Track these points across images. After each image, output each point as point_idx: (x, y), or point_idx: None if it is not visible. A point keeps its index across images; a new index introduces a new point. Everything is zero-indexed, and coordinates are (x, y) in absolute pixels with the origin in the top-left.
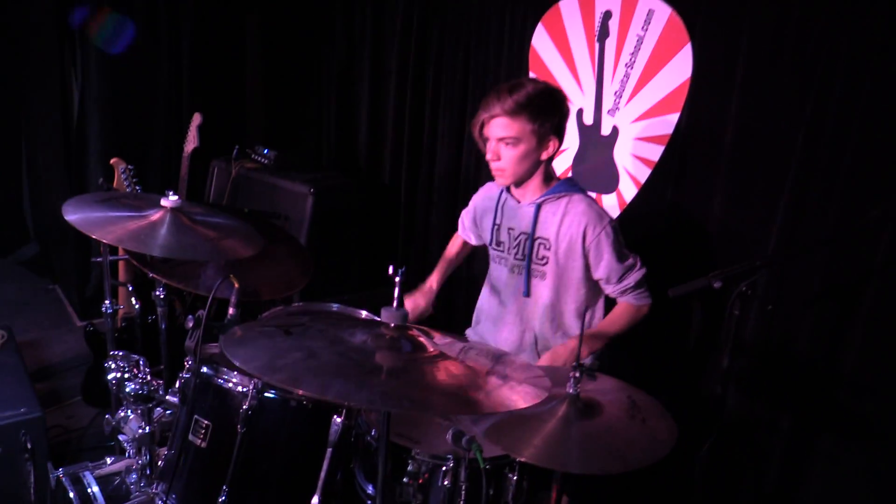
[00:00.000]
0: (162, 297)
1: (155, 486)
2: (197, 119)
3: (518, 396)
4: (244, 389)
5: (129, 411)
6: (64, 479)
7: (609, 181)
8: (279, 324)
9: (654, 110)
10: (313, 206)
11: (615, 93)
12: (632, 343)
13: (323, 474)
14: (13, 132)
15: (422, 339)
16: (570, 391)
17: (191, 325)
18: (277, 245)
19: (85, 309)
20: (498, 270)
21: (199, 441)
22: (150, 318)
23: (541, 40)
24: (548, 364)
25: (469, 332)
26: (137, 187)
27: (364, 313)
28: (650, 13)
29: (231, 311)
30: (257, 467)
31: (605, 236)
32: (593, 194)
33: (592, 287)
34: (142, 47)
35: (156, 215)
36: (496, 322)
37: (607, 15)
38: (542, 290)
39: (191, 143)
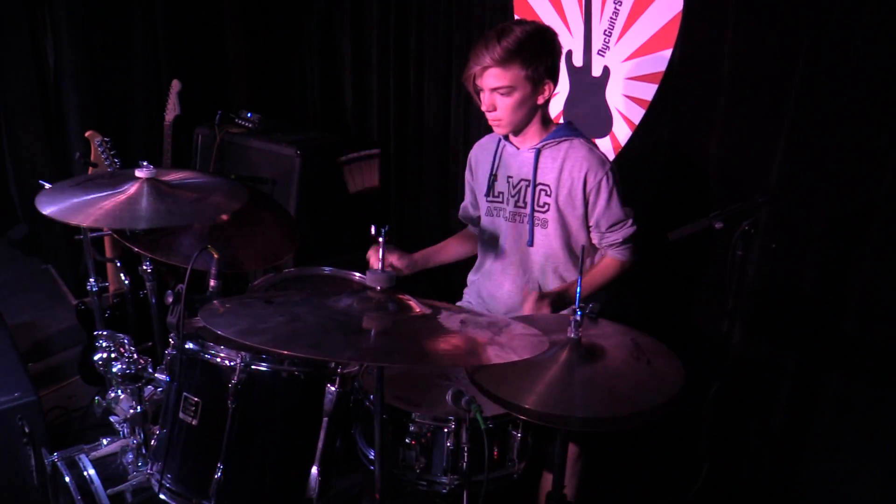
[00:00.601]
0: (149, 271)
1: (150, 466)
2: (176, 86)
3: (515, 349)
4: (232, 363)
5: (120, 391)
6: (59, 463)
7: (602, 124)
8: (259, 296)
9: (646, 47)
10: (301, 169)
11: (604, 31)
12: (631, 287)
13: (321, 444)
14: None
15: (411, 302)
16: (572, 335)
17: (171, 300)
18: (263, 212)
19: (79, 287)
20: (495, 223)
21: (190, 419)
22: (141, 293)
23: None
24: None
25: (466, 291)
26: (116, 160)
27: (357, 275)
28: None
29: (212, 283)
30: (252, 442)
31: (605, 182)
32: None
33: (590, 235)
34: (114, 15)
35: (133, 188)
36: (496, 275)
37: None
38: (545, 238)
39: (171, 111)
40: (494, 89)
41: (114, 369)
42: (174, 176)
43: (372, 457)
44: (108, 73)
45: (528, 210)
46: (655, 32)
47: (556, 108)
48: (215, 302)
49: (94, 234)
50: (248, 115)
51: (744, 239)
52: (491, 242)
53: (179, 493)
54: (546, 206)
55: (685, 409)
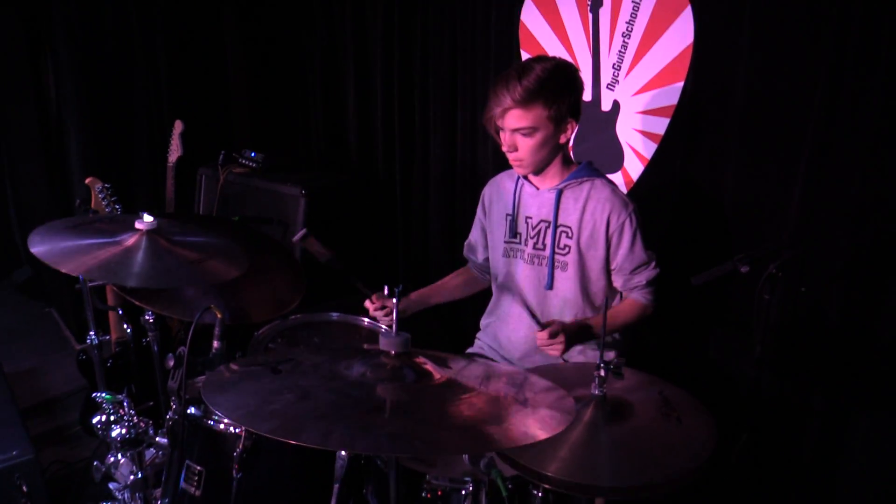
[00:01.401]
0: (151, 321)
1: None
2: (178, 127)
3: (540, 423)
4: (237, 430)
5: (119, 455)
6: None
7: (613, 159)
8: (265, 362)
9: (657, 81)
10: (306, 208)
11: (613, 65)
12: (648, 327)
13: None
14: None
15: (428, 365)
16: (596, 392)
17: (172, 364)
18: (268, 257)
19: (82, 331)
20: (511, 265)
21: (193, 489)
22: (144, 340)
23: (530, 15)
24: (552, 335)
25: (480, 335)
26: (117, 206)
27: (366, 321)
28: None
29: (216, 344)
30: None
31: (628, 224)
32: None
33: (610, 279)
34: (116, 57)
35: (131, 240)
36: (511, 320)
37: None
38: (564, 282)
39: (174, 152)
40: (516, 130)
41: (113, 433)
42: (177, 229)
43: None
44: (110, 113)
45: (547, 252)
46: (666, 65)
47: None
48: (221, 367)
49: (94, 283)
50: (252, 154)
51: (771, 282)
52: (507, 285)
53: None
54: (567, 249)
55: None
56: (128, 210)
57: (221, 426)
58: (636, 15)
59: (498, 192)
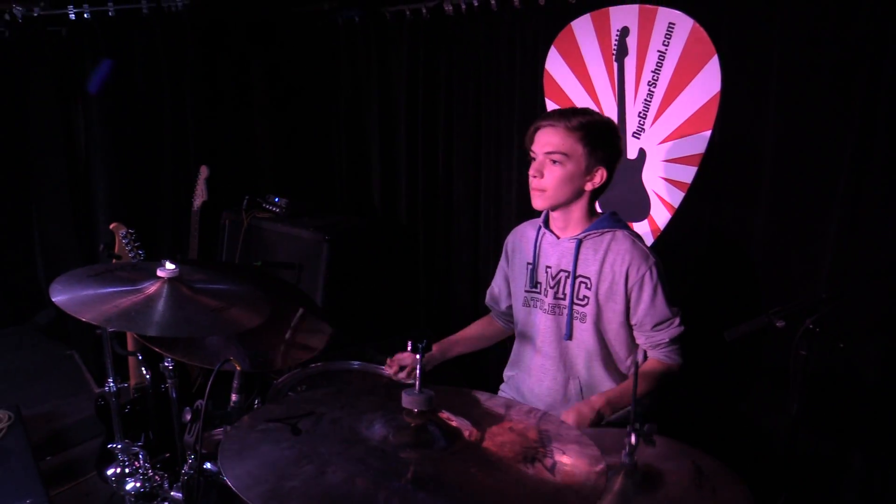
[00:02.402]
0: (171, 367)
1: None
2: (204, 172)
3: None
4: None
5: None
6: None
7: (640, 208)
8: (286, 417)
9: (683, 129)
10: (329, 254)
11: (639, 113)
12: (681, 383)
13: None
14: (24, 197)
15: (453, 422)
16: (626, 461)
17: (188, 417)
18: (290, 303)
19: (102, 374)
20: (532, 315)
21: None
22: (162, 386)
23: (555, 64)
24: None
25: (504, 388)
26: (140, 251)
27: (387, 370)
28: (671, 26)
29: (234, 397)
30: None
31: (648, 278)
32: None
33: (632, 333)
34: (144, 103)
35: (152, 288)
36: (535, 371)
37: (625, 31)
38: (584, 333)
39: (199, 196)
40: (549, 153)
41: (127, 486)
42: (199, 276)
43: None
44: (136, 159)
45: (567, 302)
46: (693, 114)
47: None
48: (244, 418)
49: (115, 328)
50: (276, 199)
51: (808, 338)
52: (527, 335)
53: None
54: (586, 300)
55: None
56: (151, 255)
57: None
58: (662, 64)
59: (520, 241)
